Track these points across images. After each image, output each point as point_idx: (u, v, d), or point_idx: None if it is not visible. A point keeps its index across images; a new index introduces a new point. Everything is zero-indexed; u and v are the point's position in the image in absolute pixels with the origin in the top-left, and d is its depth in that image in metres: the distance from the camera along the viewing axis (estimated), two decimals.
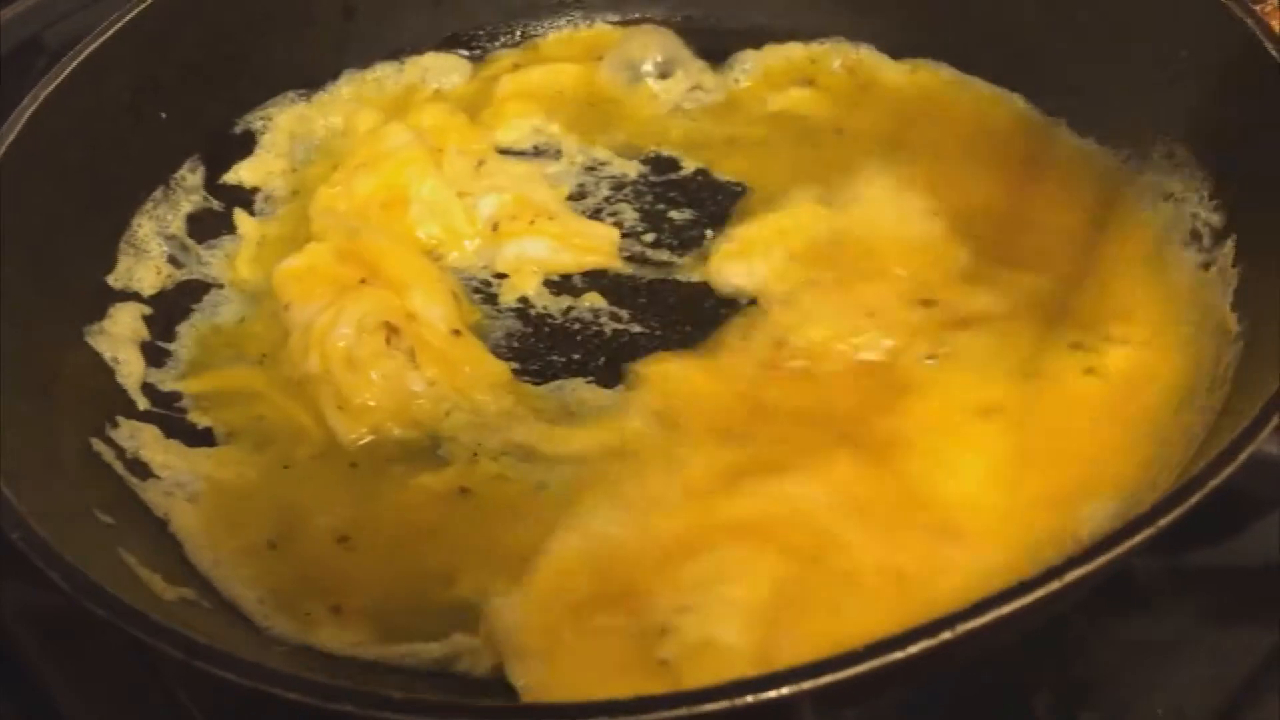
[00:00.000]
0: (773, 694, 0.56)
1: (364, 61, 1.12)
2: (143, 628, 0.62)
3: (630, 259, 0.96)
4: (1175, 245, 0.87)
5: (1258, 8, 0.87)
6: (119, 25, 0.96)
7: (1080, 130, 0.98)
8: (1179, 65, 0.89)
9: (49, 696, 0.80)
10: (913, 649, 0.57)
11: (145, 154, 0.99)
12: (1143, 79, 0.91)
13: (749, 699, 0.56)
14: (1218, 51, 0.86)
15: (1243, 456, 0.63)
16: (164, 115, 0.99)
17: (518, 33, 1.16)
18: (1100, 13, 0.95)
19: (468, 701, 0.61)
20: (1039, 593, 0.58)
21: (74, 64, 0.93)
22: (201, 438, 0.87)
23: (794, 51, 1.09)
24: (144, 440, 0.85)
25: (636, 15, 1.15)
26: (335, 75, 1.11)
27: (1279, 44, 0.82)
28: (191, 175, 1.02)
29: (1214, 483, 0.62)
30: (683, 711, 0.56)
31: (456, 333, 0.89)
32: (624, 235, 0.98)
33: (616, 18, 1.15)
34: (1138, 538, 0.60)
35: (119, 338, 0.91)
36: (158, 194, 1.00)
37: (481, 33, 1.15)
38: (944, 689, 0.77)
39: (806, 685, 0.56)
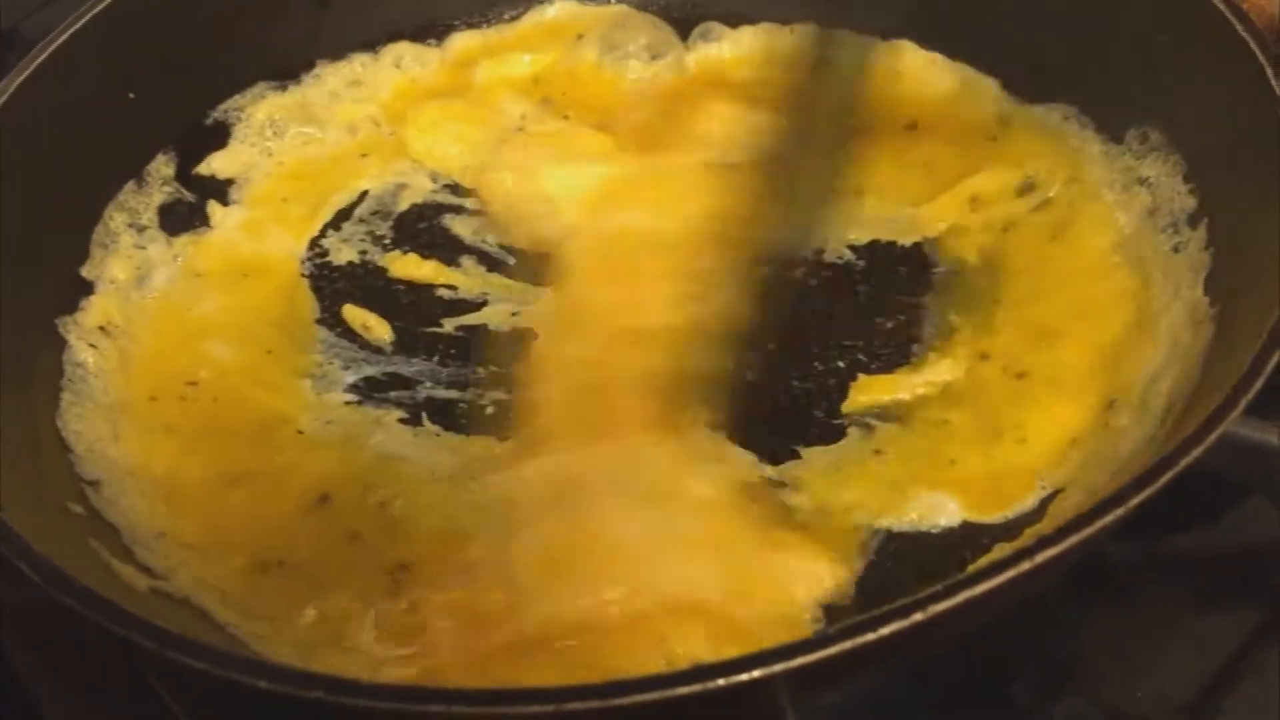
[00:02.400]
0: (744, 677, 0.56)
1: (338, 51, 1.11)
2: (113, 618, 0.61)
3: None
4: (1149, 230, 0.87)
5: None
6: (90, 16, 0.96)
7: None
8: (1152, 49, 0.89)
9: (27, 692, 0.80)
10: (884, 630, 0.57)
11: (118, 146, 0.98)
12: (1116, 62, 0.92)
13: (720, 682, 0.56)
14: (1191, 35, 0.86)
15: (1212, 438, 0.63)
16: (135, 104, 0.99)
17: (493, 18, 1.15)
18: None
19: (437, 687, 0.61)
20: (1010, 574, 0.58)
21: (44, 55, 0.92)
22: (172, 428, 0.86)
23: (775, 35, 1.09)
24: (118, 430, 0.85)
25: None
26: (310, 65, 1.10)
27: (1252, 28, 0.82)
28: (164, 167, 1.01)
29: (1185, 462, 0.62)
30: (654, 696, 0.56)
31: None
32: None
33: (592, 2, 1.15)
34: (1108, 518, 0.60)
35: (91, 329, 0.90)
36: (130, 185, 0.99)
37: (458, 21, 1.14)
38: (924, 673, 0.77)
39: (778, 668, 0.56)
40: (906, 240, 0.95)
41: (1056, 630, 0.79)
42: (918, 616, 0.57)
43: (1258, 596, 0.80)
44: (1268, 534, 0.82)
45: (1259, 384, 0.65)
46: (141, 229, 0.98)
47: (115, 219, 0.97)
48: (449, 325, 0.94)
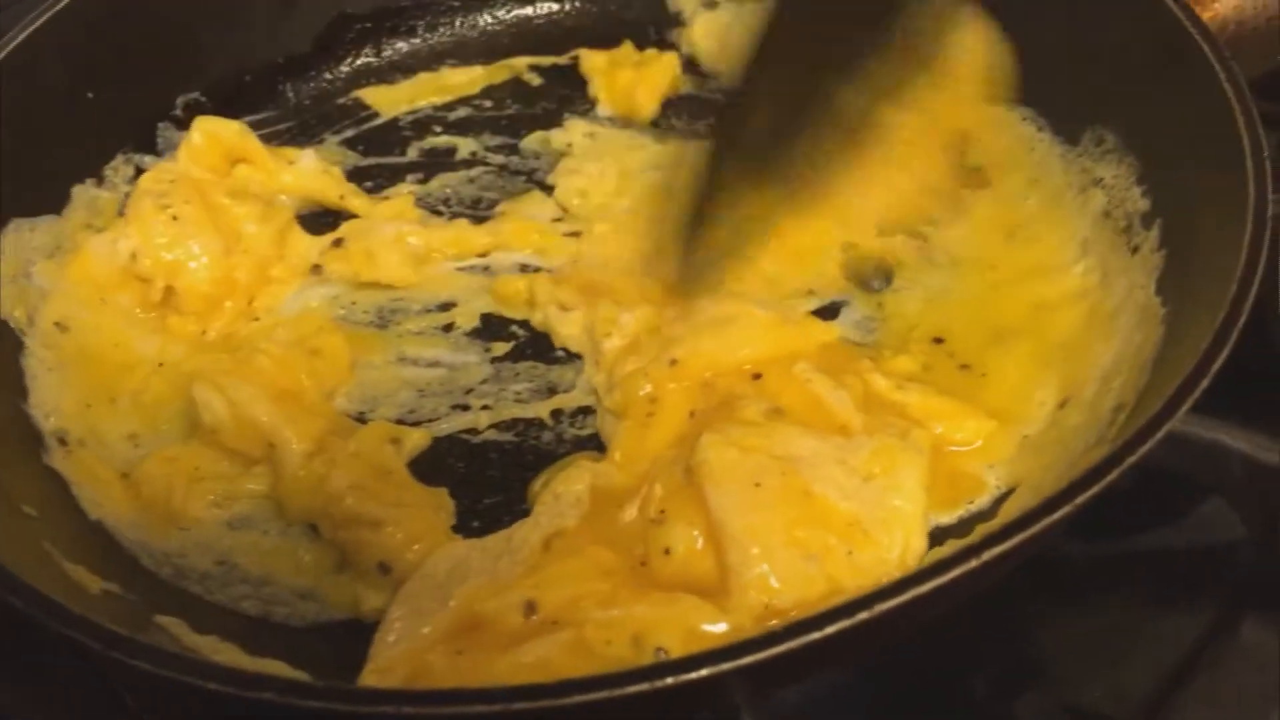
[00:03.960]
0: (693, 675, 0.56)
1: (300, 50, 1.11)
2: (60, 619, 0.61)
3: None
4: (1104, 231, 0.88)
5: None
6: (50, 14, 0.95)
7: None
8: (1107, 52, 0.90)
9: None
10: (830, 629, 0.57)
11: (77, 146, 0.98)
12: (1073, 65, 0.92)
13: (669, 680, 0.56)
14: (1143, 36, 0.86)
15: (1158, 435, 0.63)
16: (95, 103, 0.98)
17: (458, 21, 1.16)
18: None
19: (386, 689, 0.61)
20: (955, 572, 0.59)
21: (3, 54, 0.92)
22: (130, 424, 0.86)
23: None
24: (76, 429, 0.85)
25: None
26: None
27: (1203, 29, 0.83)
28: (125, 166, 1.01)
29: (1130, 460, 0.62)
30: (603, 694, 0.56)
31: None
32: None
33: None
34: (1054, 516, 0.60)
35: (48, 328, 0.89)
36: (89, 185, 0.98)
37: (419, 23, 1.15)
38: (885, 670, 0.77)
39: (726, 666, 0.56)
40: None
41: (1017, 627, 0.80)
42: (863, 615, 0.57)
43: (1214, 594, 0.81)
44: (1223, 534, 0.82)
45: (1205, 384, 0.66)
46: (101, 230, 0.97)
47: (74, 218, 0.97)
48: (410, 325, 0.94)
